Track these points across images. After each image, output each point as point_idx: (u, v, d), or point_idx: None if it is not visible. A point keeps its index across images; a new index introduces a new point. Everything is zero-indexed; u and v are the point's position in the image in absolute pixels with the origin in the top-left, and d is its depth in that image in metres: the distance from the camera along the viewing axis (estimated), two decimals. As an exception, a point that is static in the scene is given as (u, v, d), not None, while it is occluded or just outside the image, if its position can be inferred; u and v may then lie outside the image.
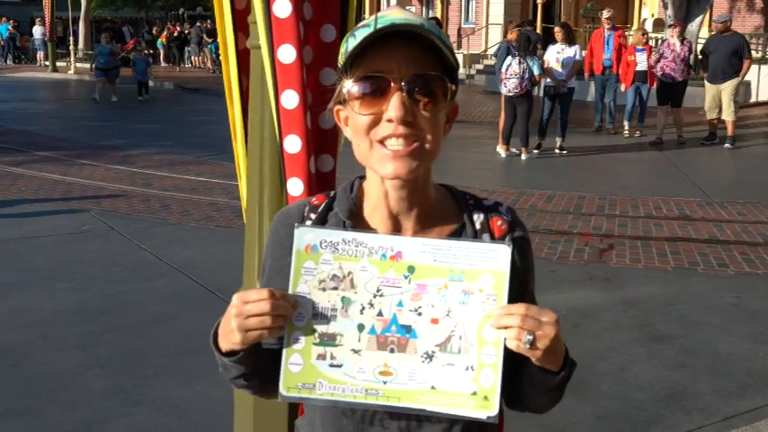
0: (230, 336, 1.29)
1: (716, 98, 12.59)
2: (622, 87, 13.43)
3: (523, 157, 11.43)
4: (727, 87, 12.43)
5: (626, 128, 13.61)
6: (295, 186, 1.96)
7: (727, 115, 12.43)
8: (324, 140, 2.05)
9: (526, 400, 1.42)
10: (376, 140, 1.32)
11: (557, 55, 11.65)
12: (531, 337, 1.22)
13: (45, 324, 5.12)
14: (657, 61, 12.73)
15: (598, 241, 7.20)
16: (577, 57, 11.81)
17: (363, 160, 1.37)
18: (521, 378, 1.36)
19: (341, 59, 1.35)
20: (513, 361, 1.30)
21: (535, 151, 11.74)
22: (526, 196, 8.86)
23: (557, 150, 11.89)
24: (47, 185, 9.39)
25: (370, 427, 1.38)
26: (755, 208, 8.46)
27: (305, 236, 1.31)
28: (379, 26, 1.28)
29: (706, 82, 12.87)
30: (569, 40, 11.89)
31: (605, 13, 14.01)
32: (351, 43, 1.31)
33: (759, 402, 4.14)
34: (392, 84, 1.29)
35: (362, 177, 1.45)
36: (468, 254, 1.28)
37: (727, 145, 12.38)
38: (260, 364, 1.37)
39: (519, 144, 11.41)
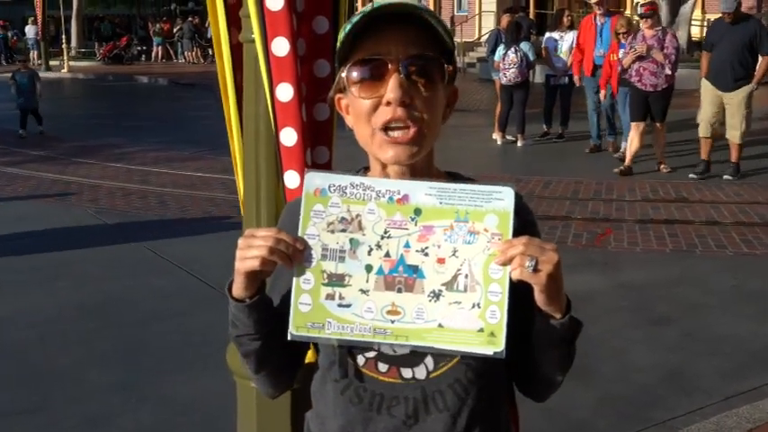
0: (235, 279, 1.34)
1: (716, 108, 8.80)
2: (602, 95, 10.10)
3: (519, 143, 11.42)
4: (736, 97, 8.63)
5: (622, 148, 10.03)
6: (292, 179, 1.97)
7: (734, 135, 8.75)
8: (319, 132, 2.06)
9: (539, 370, 1.41)
10: (377, 127, 1.35)
11: (557, 42, 11.49)
12: (533, 263, 1.24)
13: (46, 322, 5.13)
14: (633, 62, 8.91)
15: (596, 226, 7.21)
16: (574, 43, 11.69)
17: (365, 146, 1.40)
18: (529, 345, 1.37)
19: (339, 47, 1.37)
20: (520, 326, 1.30)
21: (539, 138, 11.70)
22: (523, 182, 8.86)
23: (556, 138, 11.84)
24: (43, 184, 9.39)
25: (378, 415, 1.39)
26: (752, 188, 8.47)
27: (314, 180, 1.34)
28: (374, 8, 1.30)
29: (704, 84, 8.94)
30: (571, 26, 11.72)
31: None
32: (348, 30, 1.34)
33: (759, 382, 4.17)
34: (389, 65, 1.31)
35: (366, 168, 1.48)
36: (473, 195, 1.31)
37: (726, 176, 8.78)
38: (268, 328, 1.38)
39: (515, 131, 11.42)
